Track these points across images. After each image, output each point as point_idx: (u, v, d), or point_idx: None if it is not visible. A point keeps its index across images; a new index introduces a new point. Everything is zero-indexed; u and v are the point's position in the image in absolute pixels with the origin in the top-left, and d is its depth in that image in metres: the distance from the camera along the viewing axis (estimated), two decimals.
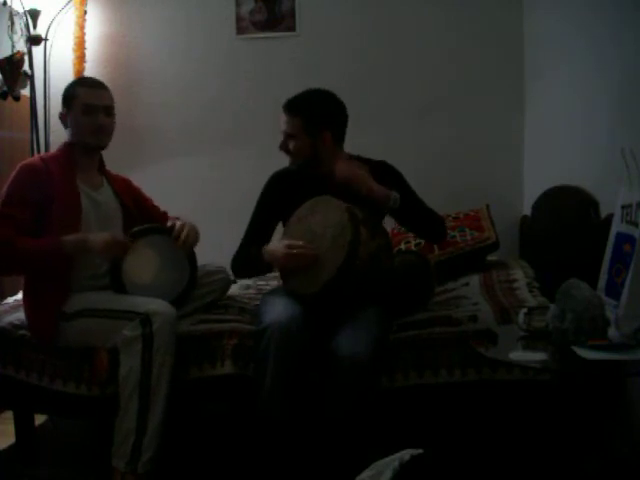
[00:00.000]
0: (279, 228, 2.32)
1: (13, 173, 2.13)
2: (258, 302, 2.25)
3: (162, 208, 2.47)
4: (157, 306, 2.00)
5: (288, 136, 2.22)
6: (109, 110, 2.23)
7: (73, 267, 2.12)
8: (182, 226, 2.19)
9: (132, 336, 1.95)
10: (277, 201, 2.29)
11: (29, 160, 2.23)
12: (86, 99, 2.19)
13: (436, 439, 1.89)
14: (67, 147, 2.24)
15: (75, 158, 2.22)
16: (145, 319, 1.95)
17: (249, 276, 2.51)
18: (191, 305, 2.27)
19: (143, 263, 2.17)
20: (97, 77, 3.31)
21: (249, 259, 2.24)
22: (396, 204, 2.14)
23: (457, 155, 3.35)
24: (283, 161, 2.35)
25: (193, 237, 2.21)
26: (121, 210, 2.30)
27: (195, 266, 2.26)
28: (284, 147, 2.24)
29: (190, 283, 2.24)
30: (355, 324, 1.95)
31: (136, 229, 2.19)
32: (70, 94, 2.22)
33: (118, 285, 2.12)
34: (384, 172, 2.28)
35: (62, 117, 2.24)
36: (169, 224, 2.24)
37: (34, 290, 2.14)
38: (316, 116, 2.20)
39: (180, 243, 2.17)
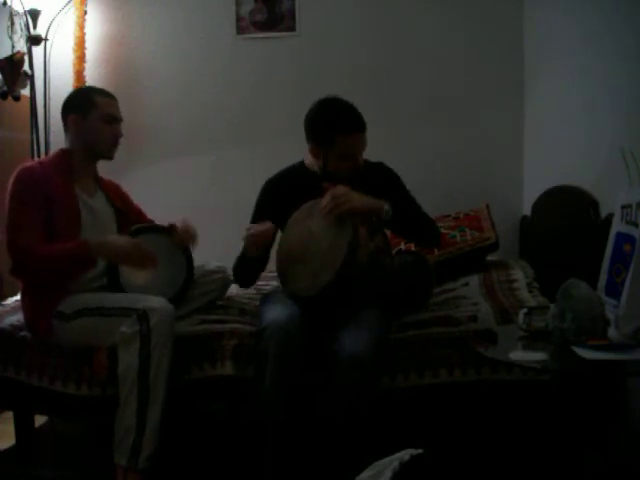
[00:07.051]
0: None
1: (12, 180, 2.09)
2: (258, 302, 2.25)
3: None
4: (154, 302, 2.01)
5: None
6: (120, 122, 2.27)
7: None
8: (189, 225, 2.26)
9: (130, 333, 1.95)
10: (275, 208, 2.23)
11: (26, 164, 2.18)
12: (108, 109, 2.21)
13: (436, 439, 1.89)
14: (64, 153, 2.23)
15: (72, 165, 2.21)
16: (142, 315, 1.96)
17: (252, 280, 2.34)
18: (190, 305, 2.27)
19: None
20: (97, 77, 3.39)
21: (244, 263, 2.21)
22: (388, 216, 2.08)
23: (457, 155, 3.34)
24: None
25: (194, 235, 2.27)
26: (115, 216, 2.30)
27: (192, 265, 2.26)
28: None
29: (187, 282, 2.25)
30: (355, 324, 1.94)
31: (134, 228, 2.19)
32: (86, 101, 2.20)
33: (116, 285, 2.13)
34: (381, 174, 2.26)
35: (71, 121, 2.19)
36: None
37: (32, 290, 2.13)
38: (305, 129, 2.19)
39: (184, 237, 2.23)
